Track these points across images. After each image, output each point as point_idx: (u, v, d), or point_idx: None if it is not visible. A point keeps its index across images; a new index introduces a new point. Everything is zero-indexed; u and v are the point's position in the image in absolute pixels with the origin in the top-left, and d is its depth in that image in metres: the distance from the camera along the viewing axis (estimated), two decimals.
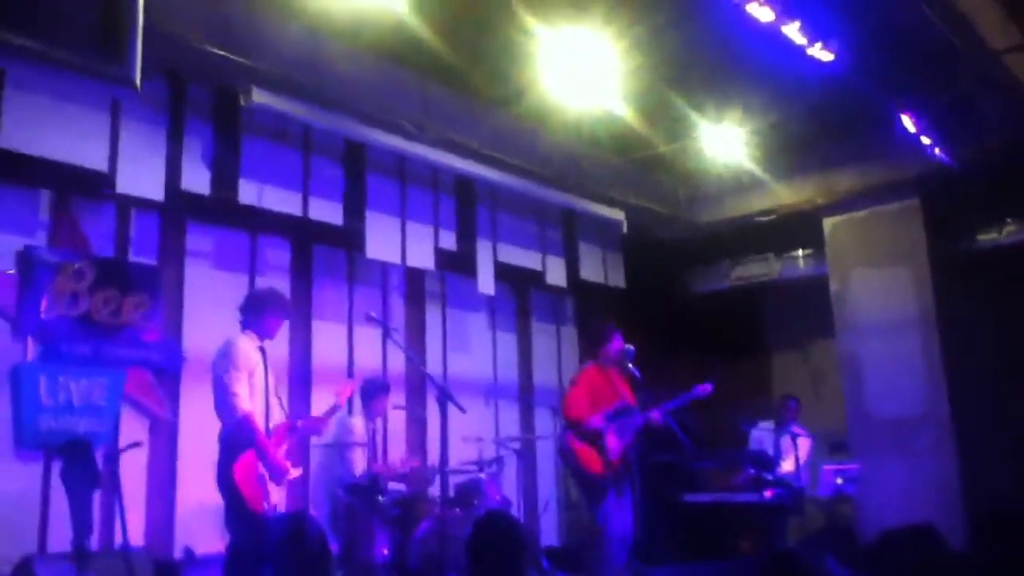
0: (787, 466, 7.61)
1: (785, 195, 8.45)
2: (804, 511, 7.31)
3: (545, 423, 8.56)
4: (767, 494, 7.20)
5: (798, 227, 8.71)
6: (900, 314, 8.00)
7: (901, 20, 5.60)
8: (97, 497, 4.78)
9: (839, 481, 7.71)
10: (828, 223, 8.53)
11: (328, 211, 6.68)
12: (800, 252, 9.31)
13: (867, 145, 7.88)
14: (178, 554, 5.56)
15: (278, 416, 4.88)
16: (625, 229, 8.57)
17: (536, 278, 8.47)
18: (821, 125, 7.43)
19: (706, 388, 6.11)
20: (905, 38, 5.82)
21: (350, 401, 6.54)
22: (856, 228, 8.40)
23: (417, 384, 7.45)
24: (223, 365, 4.59)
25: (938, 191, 7.85)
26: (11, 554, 4.77)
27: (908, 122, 6.81)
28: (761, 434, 8.00)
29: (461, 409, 5.50)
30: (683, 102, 6.78)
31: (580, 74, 5.90)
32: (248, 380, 4.60)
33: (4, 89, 4.98)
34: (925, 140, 6.97)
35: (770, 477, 7.38)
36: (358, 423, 6.31)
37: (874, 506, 7.56)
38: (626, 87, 6.25)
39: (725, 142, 7.37)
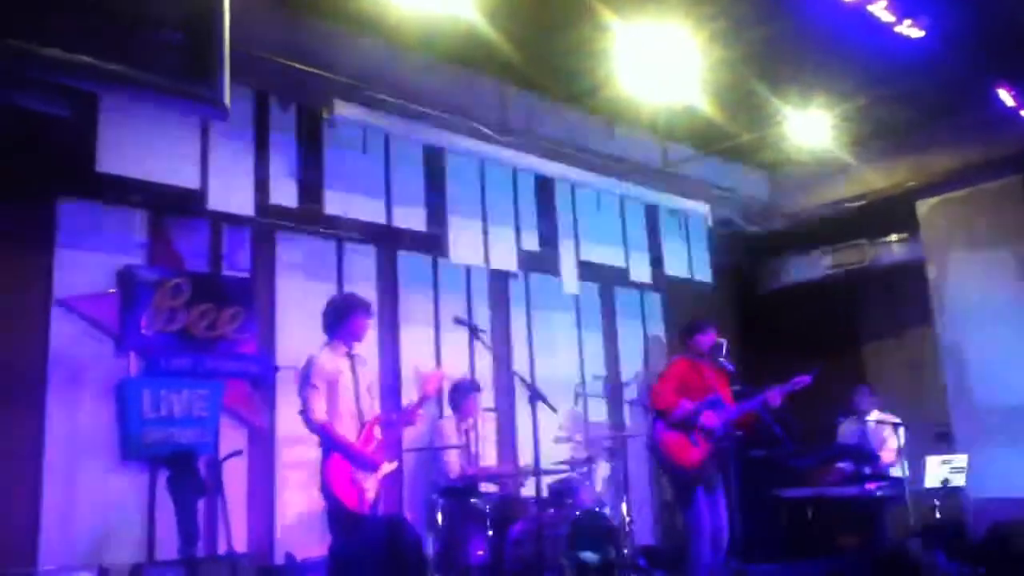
0: (887, 457, 7.38)
1: (876, 179, 8.20)
2: (908, 505, 7.08)
3: (634, 421, 8.48)
4: (868, 487, 6.99)
5: (891, 211, 8.44)
6: (1003, 299, 7.67)
7: None
8: (201, 505, 4.94)
9: (944, 472, 7.43)
10: (923, 206, 8.24)
11: (411, 217, 6.78)
12: (894, 237, 8.99)
13: (961, 123, 7.59)
14: (279, 560, 5.68)
15: (373, 412, 4.99)
16: (710, 222, 8.43)
17: (620, 275, 8.40)
18: (912, 105, 7.18)
19: (805, 379, 5.95)
20: (997, 11, 5.58)
21: (440, 402, 6.62)
22: (953, 210, 8.09)
23: (506, 385, 7.47)
24: (301, 382, 4.81)
25: None
26: (121, 562, 4.94)
27: (1006, 96, 6.52)
28: (849, 427, 7.78)
29: (552, 408, 5.50)
30: (766, 90, 6.64)
31: (659, 68, 5.83)
32: (329, 391, 4.72)
33: (99, 114, 5.17)
34: None
35: (869, 470, 7.17)
36: (449, 426, 6.36)
37: (983, 499, 7.25)
38: (707, 79, 6.14)
39: (811, 128, 7.19)
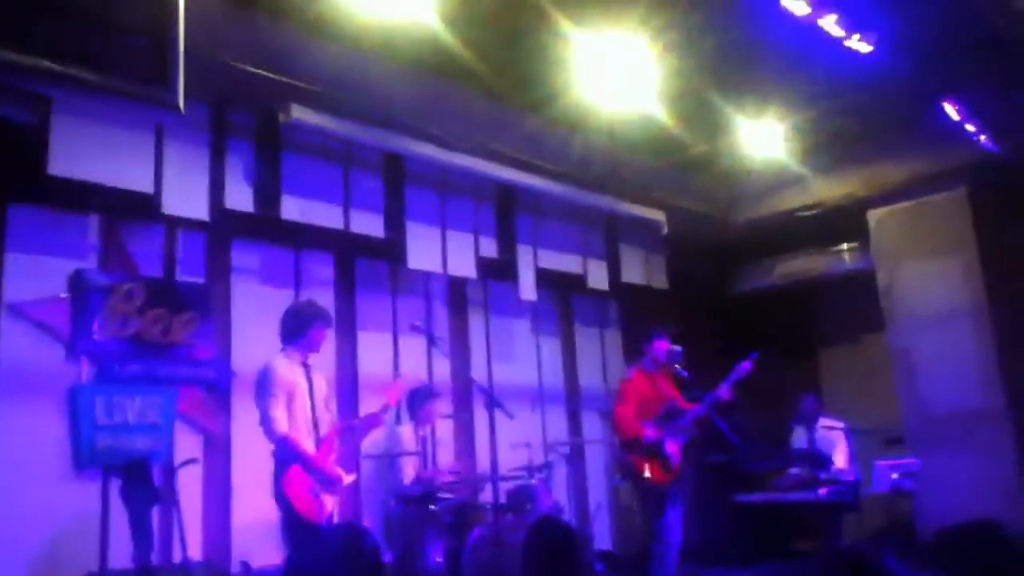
0: (839, 462, 7.52)
1: (828, 190, 8.36)
2: (861, 508, 7.22)
3: (592, 427, 8.54)
4: (822, 492, 7.11)
5: (843, 221, 8.60)
6: (951, 306, 7.85)
7: (941, 10, 5.51)
8: (156, 513, 4.87)
9: (895, 476, 7.58)
10: (873, 216, 8.41)
11: (369, 223, 6.74)
12: (846, 246, 9.20)
13: (910, 136, 7.76)
14: (235, 568, 5.61)
15: (328, 427, 4.94)
16: (666, 230, 8.53)
17: (578, 282, 8.46)
18: (862, 117, 7.32)
19: (747, 364, 6.08)
20: (947, 28, 5.73)
21: (398, 409, 6.59)
22: (902, 220, 8.27)
23: (463, 392, 7.48)
24: (259, 391, 4.71)
25: (986, 180, 7.70)
26: (74, 572, 4.86)
27: (952, 111, 6.69)
28: (801, 433, 7.93)
29: (509, 415, 5.52)
30: (721, 101, 6.72)
31: (616, 77, 5.89)
32: (288, 401, 4.67)
33: (52, 116, 5.09)
34: (970, 128, 6.84)
35: (822, 475, 7.29)
36: (407, 432, 6.34)
37: (933, 502, 7.41)
38: (663, 88, 6.21)
39: (765, 139, 7.29)
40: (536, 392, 8.23)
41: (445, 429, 7.09)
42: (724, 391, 5.97)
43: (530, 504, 6.26)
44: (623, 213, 8.25)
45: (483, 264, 7.51)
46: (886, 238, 8.37)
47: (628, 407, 6.00)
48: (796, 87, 6.63)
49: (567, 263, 8.29)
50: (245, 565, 5.51)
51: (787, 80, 6.50)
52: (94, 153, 5.24)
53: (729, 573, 7.27)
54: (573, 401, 8.58)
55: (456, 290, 7.83)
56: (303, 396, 4.79)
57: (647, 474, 5.87)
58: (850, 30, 5.41)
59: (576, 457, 7.90)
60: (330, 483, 4.71)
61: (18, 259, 5.27)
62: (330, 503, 4.71)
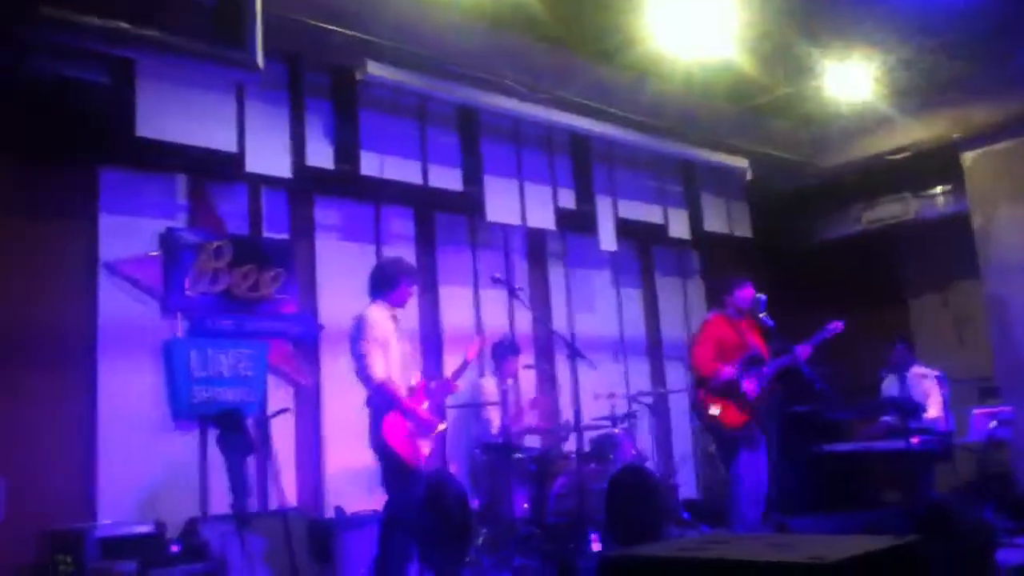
0: (932, 412, 7.30)
1: (918, 131, 8.03)
2: (954, 458, 7.01)
3: (675, 377, 8.48)
4: (913, 441, 6.93)
5: (934, 164, 8.26)
6: None
7: None
8: (251, 462, 5.05)
9: (992, 425, 7.33)
10: (967, 158, 8.05)
11: (447, 178, 6.78)
12: (938, 190, 8.82)
13: (1006, 72, 7.38)
14: (329, 513, 5.79)
15: (415, 378, 5.02)
16: (747, 177, 8.34)
17: (658, 232, 8.37)
18: (953, 55, 7.00)
19: (837, 325, 5.91)
20: None
21: (480, 361, 6.66)
22: (999, 161, 7.90)
23: (545, 343, 7.51)
24: (356, 339, 4.73)
25: None
26: (177, 518, 5.09)
27: None
28: (891, 382, 7.71)
29: (592, 365, 5.53)
30: (805, 43, 6.51)
31: (694, 22, 5.74)
32: (383, 349, 4.72)
33: (136, 80, 5.23)
34: None
35: (913, 424, 7.10)
36: (489, 384, 6.41)
37: None
38: (743, 33, 6.04)
39: (851, 81, 7.04)
40: (618, 343, 8.21)
41: (527, 380, 7.13)
42: (808, 349, 5.83)
43: (613, 453, 6.28)
44: (702, 161, 8.10)
45: (562, 215, 7.48)
46: (981, 181, 8.01)
47: (705, 347, 5.91)
48: (885, 25, 6.36)
49: (647, 213, 8.20)
50: (339, 510, 5.67)
51: (876, 18, 6.24)
52: (179, 114, 5.38)
53: (814, 521, 7.18)
54: (655, 352, 8.53)
55: (535, 242, 7.83)
56: (395, 347, 4.85)
57: (714, 412, 5.78)
58: None
59: (660, 407, 7.88)
60: (425, 428, 4.78)
61: (111, 220, 5.48)
62: (426, 448, 4.78)
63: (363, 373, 4.67)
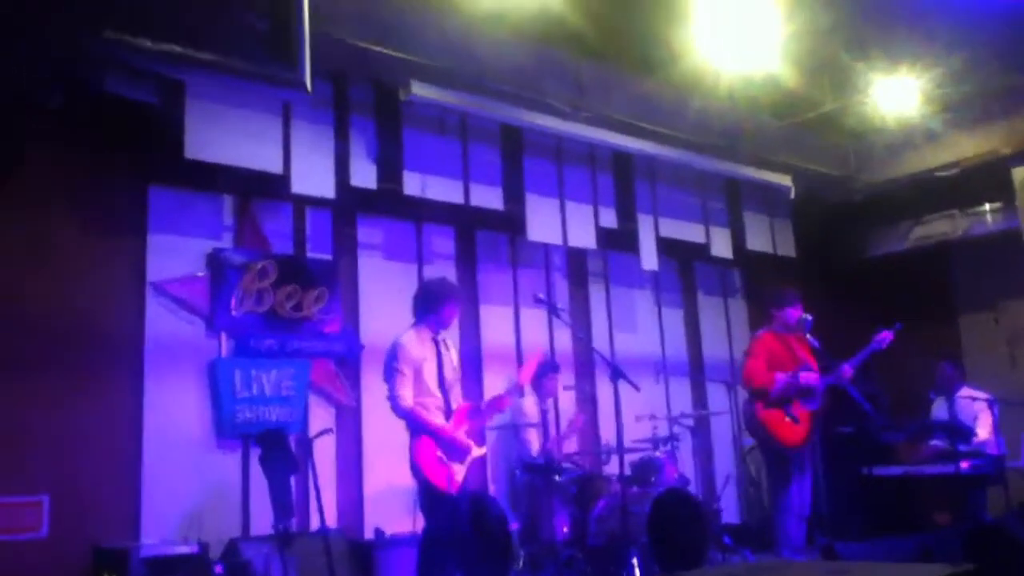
0: (982, 434, 7.13)
1: (968, 146, 7.89)
2: (1006, 481, 6.83)
3: (717, 399, 8.36)
4: (963, 465, 6.77)
5: (984, 180, 8.10)
6: None
7: None
8: (293, 481, 5.05)
9: None
10: (1018, 173, 7.88)
11: (489, 196, 6.79)
12: (988, 207, 8.64)
13: None
14: (369, 534, 5.79)
15: (459, 399, 5.00)
16: (792, 195, 8.24)
17: (700, 251, 8.30)
18: (1002, 68, 6.86)
19: (887, 336, 5.80)
20: None
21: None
22: None
23: (585, 364, 7.46)
24: (388, 367, 4.78)
25: None
26: (218, 537, 5.12)
27: None
28: (940, 404, 7.54)
29: (635, 387, 5.45)
30: (851, 57, 6.42)
31: (738, 36, 5.68)
32: (416, 375, 4.73)
33: (186, 100, 5.30)
34: None
35: (963, 448, 6.93)
36: (530, 404, 6.38)
37: None
38: (789, 47, 5.97)
39: (898, 95, 6.92)
40: (659, 363, 8.13)
41: (567, 401, 7.09)
42: (857, 364, 5.72)
43: (655, 476, 6.21)
44: (746, 178, 8.02)
45: (603, 234, 7.44)
46: None
47: (759, 360, 5.83)
48: (933, 37, 6.25)
49: (689, 231, 8.13)
50: (379, 532, 5.66)
51: (924, 30, 6.14)
52: (227, 135, 5.46)
53: (862, 546, 7.03)
54: (697, 373, 8.43)
55: (576, 261, 7.80)
56: (431, 371, 4.84)
57: (776, 432, 5.68)
58: None
59: (701, 429, 7.78)
60: (459, 453, 4.77)
61: (159, 239, 5.56)
62: (460, 472, 4.77)
63: (392, 403, 4.71)
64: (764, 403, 5.71)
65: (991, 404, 7.16)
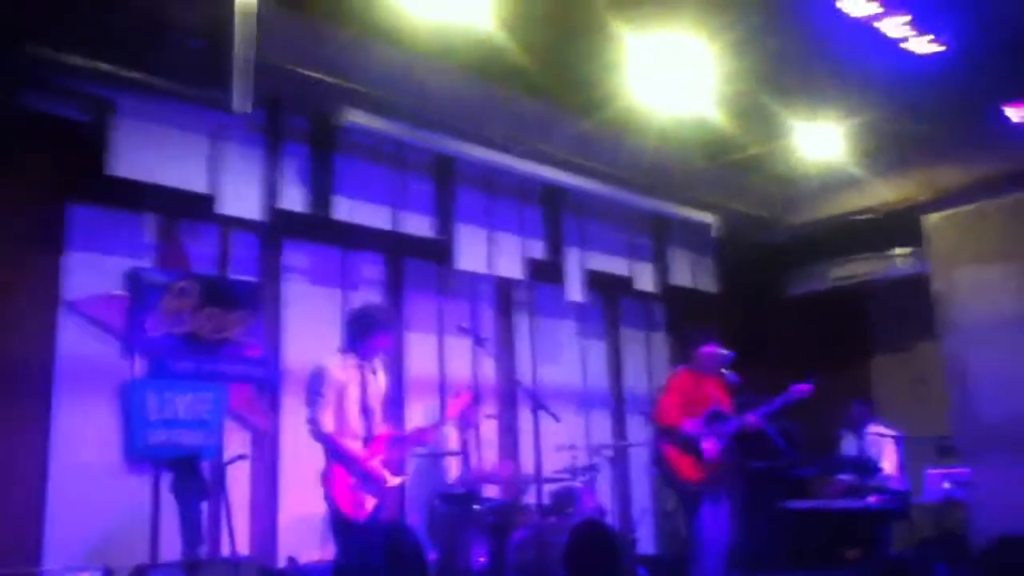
0: (887, 468, 7.39)
1: (884, 193, 8.20)
2: (911, 517, 7.08)
3: (637, 430, 8.48)
4: (871, 499, 6.99)
5: (899, 225, 8.40)
6: (1008, 313, 7.63)
7: (1001, 12, 5.39)
8: (205, 508, 4.97)
9: (946, 486, 7.42)
10: (930, 220, 8.19)
11: (418, 224, 6.82)
12: (900, 251, 9.00)
13: (968, 139, 7.58)
14: (282, 563, 5.70)
15: (380, 427, 4.96)
16: (716, 233, 8.44)
17: (625, 285, 8.43)
18: (919, 120, 7.17)
19: (805, 388, 5.92)
20: (1007, 28, 5.59)
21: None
22: (961, 224, 8.02)
23: (508, 393, 7.49)
24: (308, 392, 4.68)
25: None
26: (125, 564, 4.96)
27: (1013, 113, 6.52)
28: (850, 440, 7.80)
29: (555, 418, 5.51)
30: (776, 103, 6.64)
31: (670, 79, 5.84)
32: (338, 401, 4.67)
33: (113, 118, 5.21)
34: None
35: (870, 483, 7.17)
36: (450, 432, 6.36)
37: (986, 512, 7.21)
38: (717, 90, 6.15)
39: (820, 141, 7.19)
40: (581, 394, 8.21)
41: (489, 430, 7.09)
42: (767, 413, 5.84)
43: (573, 506, 6.27)
44: (672, 215, 8.20)
45: (530, 265, 7.52)
46: (942, 243, 8.13)
47: (671, 398, 5.92)
48: (853, 89, 6.52)
49: (615, 265, 8.27)
50: (292, 560, 5.58)
51: (844, 82, 6.40)
52: (153, 154, 5.39)
53: None
54: (618, 404, 8.54)
55: (503, 291, 7.85)
56: (354, 397, 4.79)
57: (678, 469, 5.78)
58: (921, 31, 5.33)
59: (620, 460, 7.87)
60: (373, 483, 4.73)
61: (76, 257, 5.42)
62: (370, 502, 4.72)
63: (311, 426, 4.64)
64: (669, 440, 5.81)
65: (897, 440, 7.44)
